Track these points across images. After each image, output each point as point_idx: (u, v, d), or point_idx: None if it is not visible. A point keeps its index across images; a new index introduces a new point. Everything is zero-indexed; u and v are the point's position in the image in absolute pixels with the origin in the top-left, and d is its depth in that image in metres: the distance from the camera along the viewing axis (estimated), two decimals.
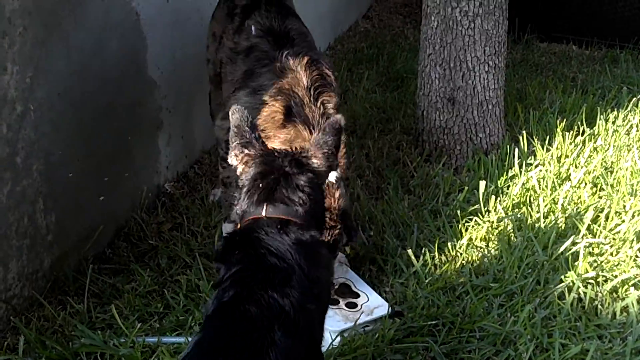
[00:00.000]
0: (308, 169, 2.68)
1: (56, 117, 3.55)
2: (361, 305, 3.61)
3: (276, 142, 3.57)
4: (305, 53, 3.81)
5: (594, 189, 4.58)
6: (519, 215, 4.31)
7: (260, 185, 2.59)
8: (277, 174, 2.60)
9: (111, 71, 4.01)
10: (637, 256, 3.97)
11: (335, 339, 3.37)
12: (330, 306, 3.55)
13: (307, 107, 3.66)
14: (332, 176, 3.52)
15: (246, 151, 2.70)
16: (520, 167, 4.79)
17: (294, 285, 2.38)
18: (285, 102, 3.66)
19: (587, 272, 3.79)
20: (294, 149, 2.76)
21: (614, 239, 4.11)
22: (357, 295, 3.69)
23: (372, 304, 3.63)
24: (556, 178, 4.66)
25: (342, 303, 3.63)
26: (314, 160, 2.71)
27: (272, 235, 2.48)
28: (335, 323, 3.47)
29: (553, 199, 4.42)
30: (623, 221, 4.20)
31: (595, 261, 3.92)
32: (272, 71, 3.77)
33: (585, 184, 4.58)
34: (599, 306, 3.62)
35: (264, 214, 2.52)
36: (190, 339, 3.32)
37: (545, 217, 4.24)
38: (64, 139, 3.65)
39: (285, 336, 2.27)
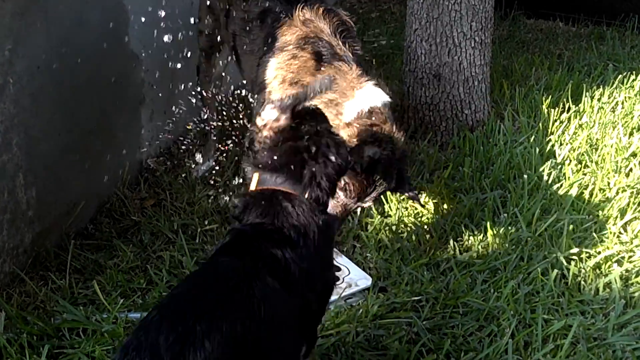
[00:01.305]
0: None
1: (36, 90, 3.51)
2: (343, 279, 3.61)
3: None
4: (319, 4, 3.86)
5: (579, 165, 4.58)
6: (503, 192, 4.30)
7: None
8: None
9: (92, 44, 3.95)
10: (620, 233, 3.98)
11: None
12: None
13: (337, 48, 3.73)
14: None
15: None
16: (506, 143, 4.79)
17: (294, 245, 2.37)
18: (313, 49, 3.71)
19: (570, 248, 3.79)
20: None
21: (597, 215, 4.11)
22: (338, 269, 3.69)
23: (355, 277, 3.63)
24: (541, 155, 4.65)
25: None
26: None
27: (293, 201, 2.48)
28: None
29: (538, 176, 4.41)
30: (607, 198, 4.20)
31: (578, 237, 3.92)
32: (293, 25, 3.79)
33: (570, 160, 4.58)
34: (582, 282, 3.63)
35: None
36: None
37: (530, 194, 4.23)
38: (44, 113, 3.61)
39: (275, 280, 2.24)
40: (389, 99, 3.75)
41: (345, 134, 3.56)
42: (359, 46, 3.88)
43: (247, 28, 4.03)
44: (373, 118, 3.63)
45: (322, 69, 3.68)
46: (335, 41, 3.76)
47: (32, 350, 3.11)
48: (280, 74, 3.75)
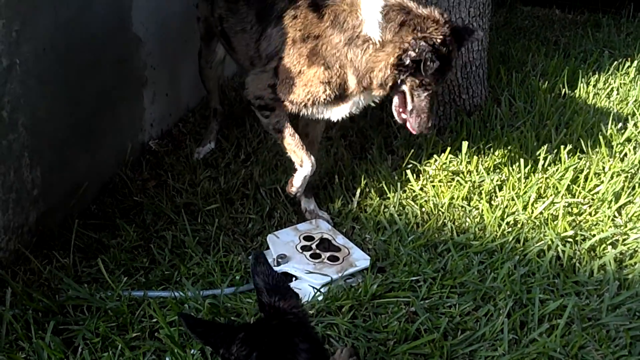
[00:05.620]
0: None
1: (42, 71, 3.55)
2: (343, 259, 3.67)
3: (327, 32, 3.63)
4: None
5: (574, 150, 4.63)
6: (500, 176, 4.36)
7: None
8: None
9: (97, 27, 3.99)
10: (615, 216, 4.04)
11: (318, 291, 3.43)
12: (312, 260, 3.63)
13: None
14: None
15: None
16: (502, 128, 4.84)
17: None
18: (307, 2, 3.70)
19: (566, 231, 3.86)
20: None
21: (592, 199, 4.18)
22: (338, 249, 3.75)
23: (354, 257, 3.69)
24: (537, 139, 4.72)
25: (324, 257, 3.68)
26: None
27: None
28: (319, 276, 3.52)
29: (534, 160, 4.47)
30: (602, 182, 4.27)
31: (574, 220, 3.99)
32: None
33: (566, 145, 4.63)
34: (577, 264, 3.69)
35: None
36: (175, 293, 3.38)
37: (526, 177, 4.29)
38: (49, 94, 3.65)
39: None
40: None
41: (388, 56, 3.53)
42: None
43: (232, 10, 4.07)
44: (396, 16, 3.56)
45: (324, 16, 3.66)
46: None
47: (38, 326, 3.18)
48: (288, 38, 3.75)
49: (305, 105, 3.77)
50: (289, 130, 3.89)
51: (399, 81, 3.60)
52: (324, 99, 3.74)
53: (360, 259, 3.68)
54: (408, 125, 3.76)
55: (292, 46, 3.71)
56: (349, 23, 3.60)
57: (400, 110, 3.74)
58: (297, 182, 3.92)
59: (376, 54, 3.56)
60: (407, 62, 3.50)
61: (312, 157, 3.90)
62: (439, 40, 3.52)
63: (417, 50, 3.46)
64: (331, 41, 3.63)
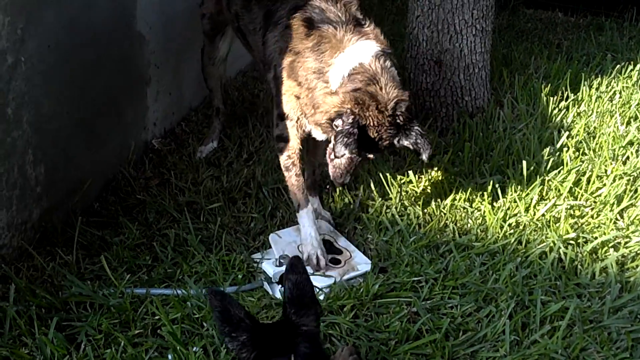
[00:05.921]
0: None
1: (46, 69, 3.55)
2: (345, 262, 3.67)
3: (306, 53, 3.62)
4: None
5: (577, 153, 4.64)
6: (502, 177, 4.37)
7: None
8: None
9: (101, 25, 4.00)
10: (617, 219, 4.05)
11: (320, 290, 3.44)
12: None
13: (327, 11, 3.67)
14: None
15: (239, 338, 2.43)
16: (505, 130, 4.84)
17: None
18: (302, 16, 3.68)
19: (568, 233, 3.86)
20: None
21: (594, 202, 4.18)
22: (340, 252, 3.75)
23: (356, 261, 3.70)
24: (539, 141, 4.72)
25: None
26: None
27: None
28: (320, 279, 3.53)
29: (536, 162, 4.47)
30: (604, 185, 4.28)
31: (576, 223, 4.00)
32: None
33: (568, 147, 4.64)
34: (579, 266, 3.70)
35: None
36: (178, 291, 3.39)
37: (528, 180, 4.30)
38: (54, 92, 3.66)
39: None
40: (378, 48, 3.62)
41: (330, 107, 3.51)
42: (354, 4, 3.78)
43: (246, 7, 4.07)
44: (358, 82, 3.51)
45: (311, 36, 3.64)
46: (324, 4, 3.70)
47: (41, 323, 3.19)
48: (278, 46, 3.77)
49: (291, 120, 3.80)
50: (295, 170, 3.88)
51: (328, 133, 3.61)
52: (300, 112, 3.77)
53: (362, 263, 3.69)
54: (328, 168, 3.76)
55: (280, 55, 3.73)
56: (325, 57, 3.60)
57: (329, 152, 3.70)
58: (304, 229, 3.83)
59: (326, 97, 3.56)
60: (334, 124, 3.49)
61: (310, 204, 3.88)
62: (371, 124, 3.48)
63: (343, 122, 3.45)
64: (306, 63, 3.64)
